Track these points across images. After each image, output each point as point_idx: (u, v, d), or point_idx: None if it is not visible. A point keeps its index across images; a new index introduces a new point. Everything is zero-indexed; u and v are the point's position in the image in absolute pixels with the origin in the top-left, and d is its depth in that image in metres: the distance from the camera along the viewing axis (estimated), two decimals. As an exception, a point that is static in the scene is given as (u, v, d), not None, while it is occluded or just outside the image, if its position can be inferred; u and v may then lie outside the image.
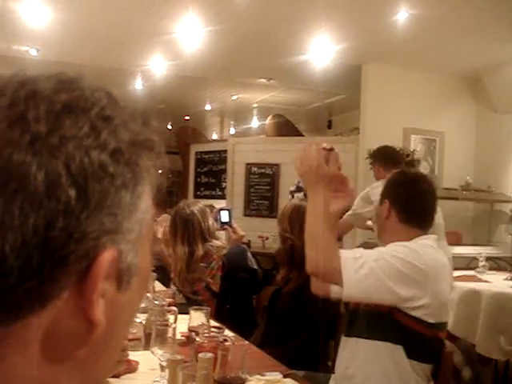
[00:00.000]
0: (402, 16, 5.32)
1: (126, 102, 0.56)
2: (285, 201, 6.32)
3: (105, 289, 0.50)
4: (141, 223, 0.54)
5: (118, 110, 0.54)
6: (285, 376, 2.07)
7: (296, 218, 3.33)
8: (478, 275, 4.98)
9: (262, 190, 8.27)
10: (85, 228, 0.47)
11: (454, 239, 6.62)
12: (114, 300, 0.52)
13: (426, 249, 2.30)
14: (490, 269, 5.28)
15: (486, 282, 4.68)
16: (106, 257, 0.49)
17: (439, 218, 4.19)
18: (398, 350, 2.20)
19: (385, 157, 5.08)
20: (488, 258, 5.39)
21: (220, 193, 9.43)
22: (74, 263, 0.48)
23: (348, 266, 2.10)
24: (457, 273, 5.04)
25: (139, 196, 0.53)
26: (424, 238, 2.38)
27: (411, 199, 2.47)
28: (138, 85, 8.61)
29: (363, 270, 2.10)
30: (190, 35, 5.84)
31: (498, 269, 5.59)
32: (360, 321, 2.33)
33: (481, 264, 5.19)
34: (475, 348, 4.19)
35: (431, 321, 2.20)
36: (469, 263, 5.68)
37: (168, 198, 15.88)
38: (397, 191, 2.49)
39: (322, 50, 6.44)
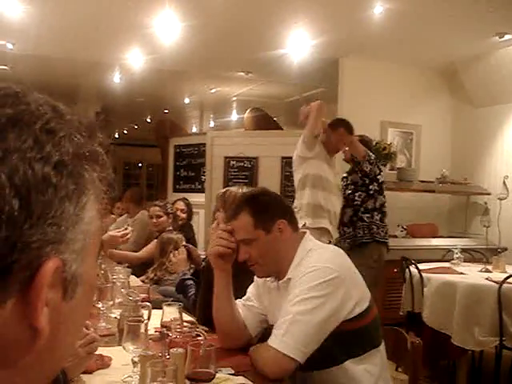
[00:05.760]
0: (378, 10, 5.36)
1: (73, 115, 0.57)
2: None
3: (49, 297, 0.51)
4: (85, 233, 0.55)
5: (62, 123, 0.54)
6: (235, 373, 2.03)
7: None
8: (454, 267, 5.03)
9: (241, 183, 8.26)
10: (28, 238, 0.48)
11: (431, 231, 6.70)
12: (59, 309, 0.53)
13: (322, 250, 2.28)
14: (465, 260, 5.33)
15: (461, 273, 4.73)
16: (50, 266, 0.50)
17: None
18: (349, 364, 2.10)
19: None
20: (463, 250, 5.44)
21: (199, 186, 9.40)
22: (18, 272, 0.48)
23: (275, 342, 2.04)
24: (432, 264, 5.11)
25: (83, 207, 0.54)
26: (309, 240, 2.32)
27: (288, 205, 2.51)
28: (116, 78, 8.56)
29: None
30: (167, 29, 5.83)
31: (473, 260, 5.65)
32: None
33: (456, 256, 5.24)
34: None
35: (364, 307, 2.13)
36: (444, 255, 5.75)
37: (148, 191, 15.93)
38: (283, 205, 2.41)
39: (299, 44, 6.46)
